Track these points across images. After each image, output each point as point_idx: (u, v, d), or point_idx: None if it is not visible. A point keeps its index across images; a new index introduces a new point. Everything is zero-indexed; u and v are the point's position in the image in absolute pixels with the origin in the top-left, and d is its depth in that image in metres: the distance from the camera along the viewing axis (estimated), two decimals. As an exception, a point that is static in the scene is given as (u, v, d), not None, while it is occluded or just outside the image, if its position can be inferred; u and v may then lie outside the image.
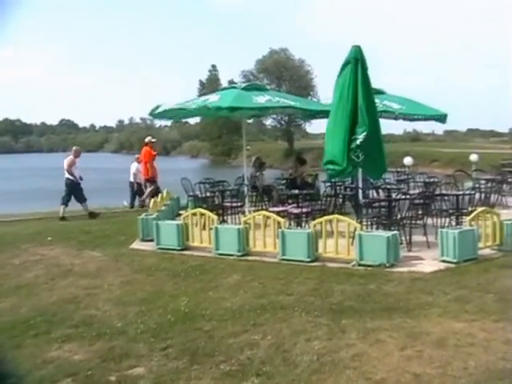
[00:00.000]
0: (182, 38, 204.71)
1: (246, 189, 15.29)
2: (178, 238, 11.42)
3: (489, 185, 15.91)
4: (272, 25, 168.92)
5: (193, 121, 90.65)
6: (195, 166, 73.06)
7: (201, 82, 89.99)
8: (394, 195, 11.98)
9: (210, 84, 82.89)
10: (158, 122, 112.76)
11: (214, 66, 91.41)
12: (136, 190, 19.27)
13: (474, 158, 21.76)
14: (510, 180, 18.09)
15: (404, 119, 15.61)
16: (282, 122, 73.66)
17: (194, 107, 13.49)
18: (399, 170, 20.04)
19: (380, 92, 16.14)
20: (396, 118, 15.61)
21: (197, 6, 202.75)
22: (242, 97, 13.61)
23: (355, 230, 9.77)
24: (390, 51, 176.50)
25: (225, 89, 17.23)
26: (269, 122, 75.05)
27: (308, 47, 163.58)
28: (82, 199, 17.33)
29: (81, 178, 17.47)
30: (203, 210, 11.65)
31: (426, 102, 16.03)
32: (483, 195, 15.40)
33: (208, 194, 14.92)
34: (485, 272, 9.00)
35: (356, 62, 11.04)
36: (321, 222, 10.17)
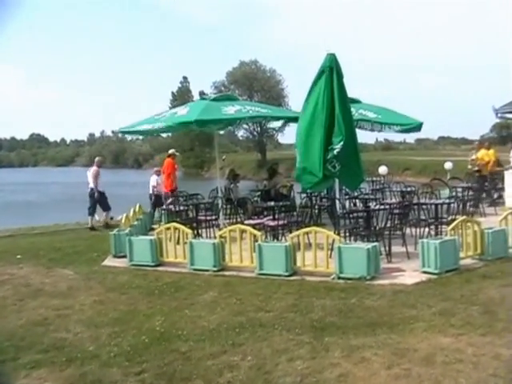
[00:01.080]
0: (154, 50, 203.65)
1: (220, 201, 15.00)
2: (152, 253, 11.08)
3: (466, 193, 15.82)
4: (245, 36, 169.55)
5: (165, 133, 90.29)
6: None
7: (172, 93, 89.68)
8: (371, 205, 11.79)
9: (182, 96, 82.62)
10: (130, 136, 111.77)
11: (185, 78, 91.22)
12: (154, 202, 18.94)
13: (448, 165, 21.61)
14: (486, 188, 18.02)
15: (380, 130, 15.37)
16: (255, 133, 73.60)
17: (164, 125, 13.22)
18: (374, 179, 19.88)
19: (356, 101, 16.01)
20: (372, 129, 15.42)
21: (166, 18, 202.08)
22: (211, 108, 13.36)
23: (333, 242, 9.51)
24: (360, 60, 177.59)
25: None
26: (241, 133, 75.12)
27: (279, 58, 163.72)
28: (106, 208, 17.46)
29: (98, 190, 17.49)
30: (177, 225, 11.33)
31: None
32: (461, 204, 15.31)
33: (182, 208, 14.59)
34: (467, 283, 8.80)
35: (331, 71, 10.82)
36: (298, 235, 9.90)
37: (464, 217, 10.80)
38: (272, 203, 12.92)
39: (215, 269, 10.30)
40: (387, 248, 10.52)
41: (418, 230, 11.86)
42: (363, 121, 15.05)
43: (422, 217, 11.90)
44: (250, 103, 17.67)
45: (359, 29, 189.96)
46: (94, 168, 17.55)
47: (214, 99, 14.51)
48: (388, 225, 10.71)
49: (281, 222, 11.76)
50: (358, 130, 15.86)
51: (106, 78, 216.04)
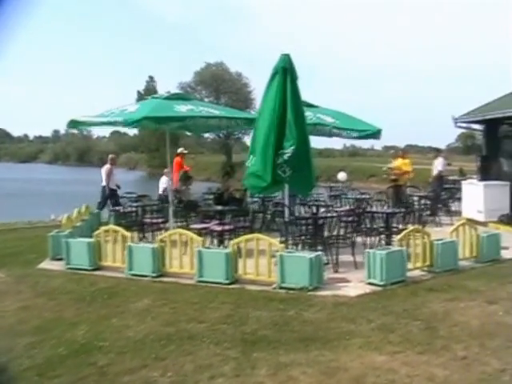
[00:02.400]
0: (121, 48, 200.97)
1: (170, 204, 14.50)
2: (89, 257, 10.55)
3: (422, 202, 15.59)
4: (213, 37, 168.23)
5: (131, 132, 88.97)
6: (131, 179, 71.52)
7: (138, 92, 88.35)
8: (323, 212, 11.42)
9: (148, 95, 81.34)
10: (96, 133, 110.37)
11: (151, 78, 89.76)
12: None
13: (407, 173, 21.35)
14: (443, 197, 17.81)
15: (338, 135, 15.03)
16: (221, 135, 73.01)
17: (112, 121, 12.67)
18: (333, 185, 19.59)
19: (313, 105, 15.69)
20: (330, 134, 15.08)
21: (135, 16, 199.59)
22: (163, 106, 12.88)
23: (277, 250, 9.09)
24: (330, 66, 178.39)
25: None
26: (207, 134, 74.46)
27: (248, 60, 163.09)
28: (116, 204, 16.76)
29: (118, 187, 17.35)
30: (116, 227, 10.80)
31: (365, 118, 15.60)
32: (417, 212, 15.06)
33: (132, 209, 14.08)
34: (412, 296, 8.46)
35: (284, 72, 10.35)
36: (240, 241, 9.46)
37: (414, 227, 10.42)
38: (219, 207, 12.44)
39: (154, 275, 9.83)
40: (335, 257, 10.15)
41: (370, 239, 11.51)
42: (321, 125, 14.72)
43: (375, 225, 11.55)
44: (204, 103, 17.10)
45: (329, 36, 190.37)
46: (107, 166, 17.32)
47: (167, 98, 14.02)
48: (336, 233, 10.33)
49: (227, 227, 11.30)
50: (320, 137, 15.86)
51: (72, 75, 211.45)
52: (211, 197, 16.19)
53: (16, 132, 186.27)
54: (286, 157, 9.99)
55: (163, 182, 17.47)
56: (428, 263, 9.92)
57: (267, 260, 9.11)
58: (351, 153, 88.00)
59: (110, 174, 17.18)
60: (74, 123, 13.73)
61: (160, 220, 13.25)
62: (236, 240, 9.66)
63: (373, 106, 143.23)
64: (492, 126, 17.42)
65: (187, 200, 14.87)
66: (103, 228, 11.08)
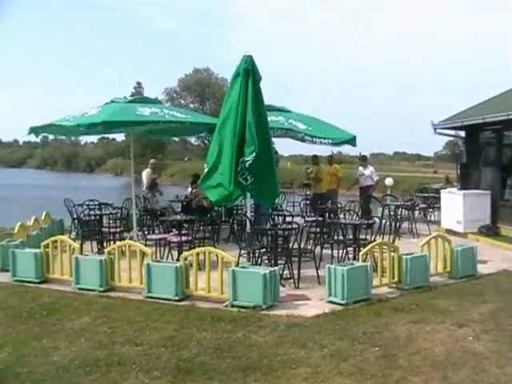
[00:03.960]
0: (109, 53, 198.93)
1: (134, 212, 13.81)
2: (36, 269, 9.83)
3: (399, 211, 14.94)
4: (206, 45, 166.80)
5: (119, 137, 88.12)
6: (117, 184, 70.74)
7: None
8: (288, 223, 10.69)
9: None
10: (84, 139, 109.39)
11: (139, 83, 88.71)
12: None
13: (388, 181, 20.57)
14: (420, 206, 17.17)
15: (311, 142, 14.42)
16: (206, 142, 72.44)
17: (71, 125, 12.01)
18: (308, 193, 18.93)
19: (286, 110, 15.14)
20: (303, 140, 14.50)
21: (122, 22, 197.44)
22: (124, 110, 12.28)
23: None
24: (315, 73, 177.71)
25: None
26: (193, 140, 74.01)
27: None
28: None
29: (160, 193, 16.42)
30: (64, 237, 10.06)
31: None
32: (393, 223, 14.41)
33: (97, 217, 13.34)
34: (375, 317, 7.75)
35: (246, 74, 9.65)
36: (191, 254, 8.74)
37: (380, 241, 9.68)
38: (178, 216, 11.73)
39: (101, 289, 9.12)
40: (297, 271, 9.44)
41: (338, 252, 10.83)
42: (293, 131, 14.15)
43: (342, 237, 10.84)
44: (169, 107, 16.38)
45: (313, 42, 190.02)
46: (147, 170, 16.40)
47: (130, 101, 13.39)
48: (304, 245, 9.65)
49: (184, 238, 10.58)
50: (295, 141, 15.25)
51: (60, 82, 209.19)
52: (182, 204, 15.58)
53: (6, 137, 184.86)
54: (246, 164, 9.31)
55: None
56: (396, 279, 9.22)
57: (219, 275, 8.39)
58: (337, 160, 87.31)
59: (150, 179, 16.15)
60: (33, 129, 13.09)
61: (118, 229, 12.48)
62: (186, 253, 8.94)
63: (359, 113, 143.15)
64: (472, 132, 16.76)
65: (151, 208, 14.15)
66: (51, 238, 10.31)
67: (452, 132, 17.86)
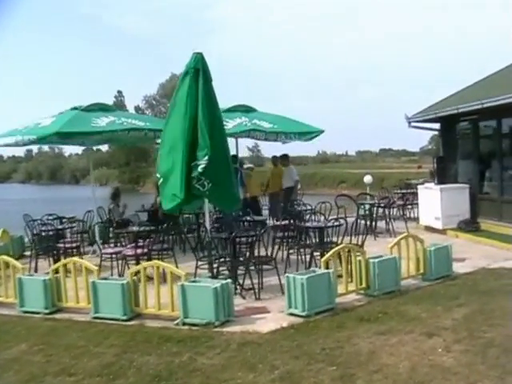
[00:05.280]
0: (90, 61, 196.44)
1: (96, 225, 13.14)
2: (-23, 291, 9.14)
3: (374, 210, 14.38)
4: (181, 49, 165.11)
5: (104, 148, 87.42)
6: (102, 195, 69.88)
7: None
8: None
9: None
10: (68, 150, 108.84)
11: (119, 92, 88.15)
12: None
13: (367, 179, 19.85)
14: (397, 204, 16.55)
15: (276, 139, 13.88)
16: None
17: (25, 139, 11.45)
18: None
19: (251, 110, 14.55)
20: (266, 139, 13.89)
21: (103, 29, 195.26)
22: (79, 119, 11.70)
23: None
24: (303, 73, 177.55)
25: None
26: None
27: (219, 72, 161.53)
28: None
29: (124, 205, 15.29)
30: (6, 258, 9.32)
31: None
32: (368, 222, 13.84)
33: (58, 232, 12.64)
34: (338, 329, 7.09)
35: (196, 73, 8.91)
36: (139, 270, 8.06)
37: (344, 244, 8.98)
38: (134, 228, 11.06)
39: (47, 311, 8.44)
40: (258, 281, 8.81)
41: (305, 257, 10.19)
42: (256, 131, 13.53)
43: (309, 241, 10.20)
44: (128, 114, 15.59)
45: (300, 42, 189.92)
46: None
47: (86, 109, 12.70)
48: (270, 252, 9.03)
49: (139, 251, 9.90)
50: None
51: (40, 92, 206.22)
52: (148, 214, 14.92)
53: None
54: (200, 168, 8.57)
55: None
56: (364, 285, 8.58)
57: (169, 291, 7.71)
58: (322, 159, 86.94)
59: (114, 189, 15.60)
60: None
61: (74, 244, 11.76)
62: (132, 269, 8.28)
63: (346, 110, 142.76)
64: (448, 124, 16.10)
65: (114, 219, 13.46)
66: (-6, 258, 9.60)
67: (428, 125, 17.17)
